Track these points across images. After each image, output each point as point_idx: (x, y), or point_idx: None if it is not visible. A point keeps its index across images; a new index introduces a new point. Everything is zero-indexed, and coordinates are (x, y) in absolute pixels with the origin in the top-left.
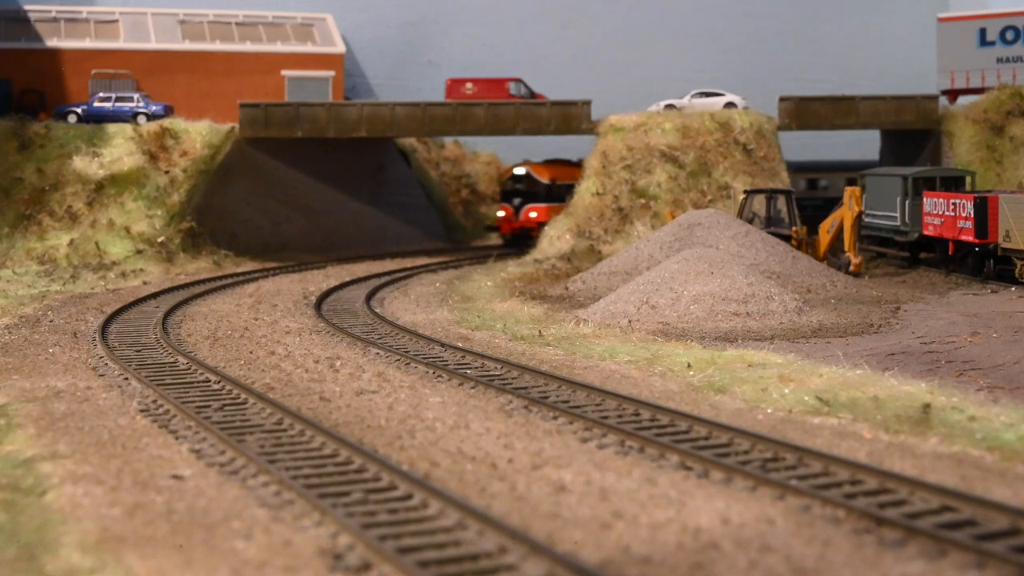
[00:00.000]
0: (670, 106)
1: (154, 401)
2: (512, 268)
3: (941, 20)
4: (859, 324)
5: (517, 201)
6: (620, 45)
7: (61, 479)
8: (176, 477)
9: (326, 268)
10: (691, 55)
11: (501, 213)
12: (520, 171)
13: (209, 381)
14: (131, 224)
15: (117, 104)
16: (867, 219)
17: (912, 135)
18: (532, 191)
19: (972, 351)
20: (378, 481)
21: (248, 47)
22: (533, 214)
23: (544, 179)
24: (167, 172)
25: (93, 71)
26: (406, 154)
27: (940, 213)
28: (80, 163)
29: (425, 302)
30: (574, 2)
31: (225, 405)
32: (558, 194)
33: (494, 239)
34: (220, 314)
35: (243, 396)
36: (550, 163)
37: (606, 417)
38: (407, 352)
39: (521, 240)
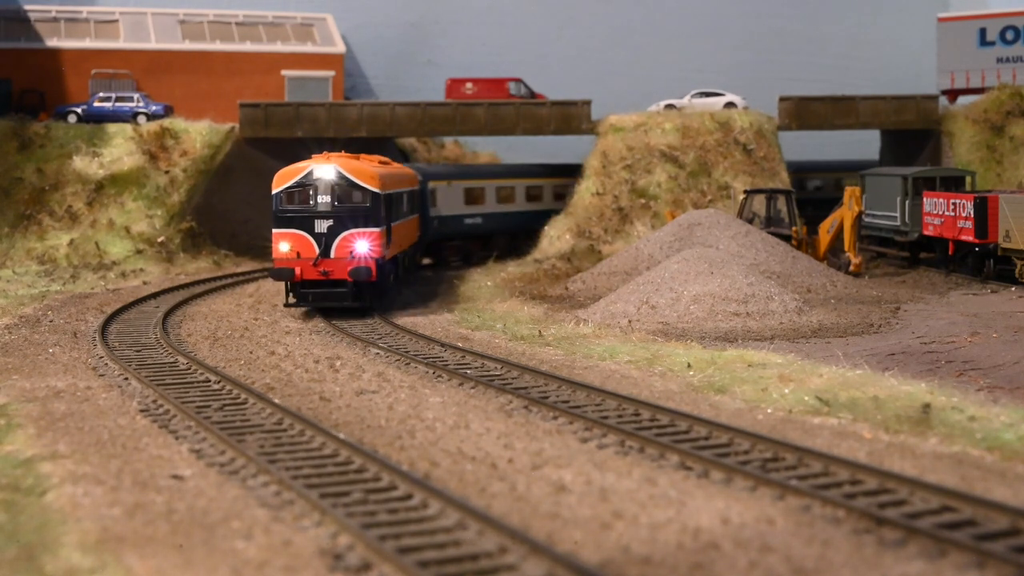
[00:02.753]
0: (670, 106)
1: (154, 401)
2: (512, 268)
3: (941, 20)
4: (859, 324)
5: (325, 226)
6: (620, 45)
7: (61, 479)
8: (176, 477)
9: None
10: (691, 55)
11: (286, 247)
12: (327, 172)
13: (209, 381)
14: (131, 224)
15: (117, 104)
16: (867, 219)
17: (912, 135)
18: (353, 207)
19: (972, 351)
20: (378, 481)
21: (248, 47)
22: (363, 246)
23: (372, 187)
24: (167, 172)
25: (93, 71)
26: (406, 154)
27: (940, 213)
28: (80, 163)
29: (425, 302)
30: (574, 2)
31: (225, 405)
32: (394, 211)
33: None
34: (220, 314)
35: (243, 396)
36: (368, 159)
37: (606, 417)
38: (407, 352)
39: (335, 294)
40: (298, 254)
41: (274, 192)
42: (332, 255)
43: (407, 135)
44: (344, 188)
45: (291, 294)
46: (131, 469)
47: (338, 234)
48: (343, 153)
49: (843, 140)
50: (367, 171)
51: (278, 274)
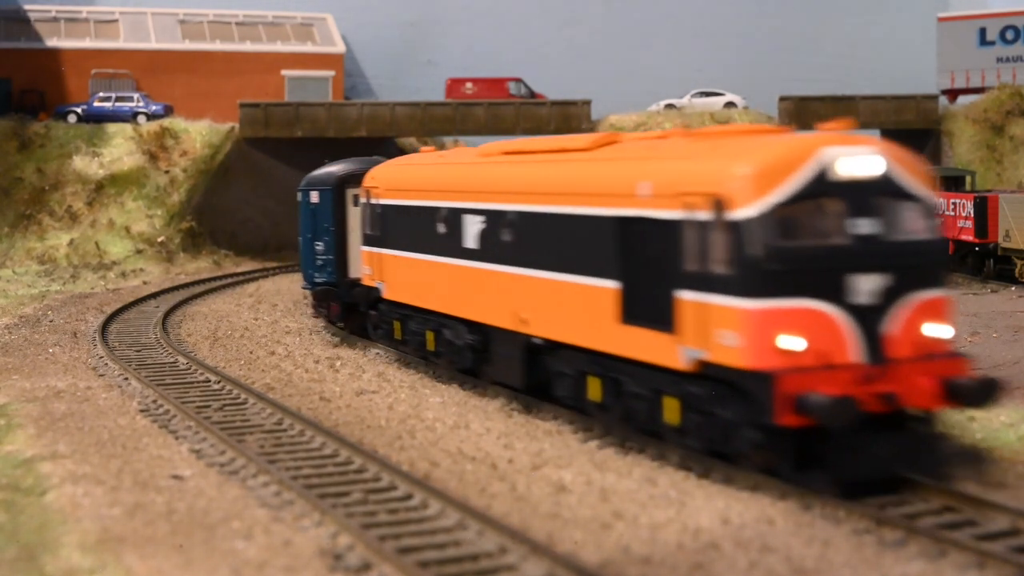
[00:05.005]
0: (670, 106)
1: (154, 401)
2: None
3: (941, 20)
4: None
5: (873, 287)
6: (620, 45)
7: (61, 479)
8: (176, 477)
9: None
10: (691, 55)
11: (796, 343)
12: (866, 166)
13: (209, 381)
14: (131, 224)
15: (117, 104)
16: None
17: (912, 135)
18: (920, 245)
19: (972, 351)
20: (378, 481)
21: (248, 47)
22: (943, 329)
23: (931, 195)
24: (167, 172)
25: (93, 71)
26: (406, 154)
27: (940, 213)
28: (80, 163)
29: None
30: (574, 2)
31: (225, 405)
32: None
33: None
34: (220, 314)
35: (243, 396)
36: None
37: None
38: (407, 352)
39: (896, 451)
40: (819, 352)
41: (748, 214)
42: (889, 354)
43: (407, 135)
44: (898, 204)
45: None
46: (131, 469)
47: (893, 304)
48: (836, 124)
49: None
50: (914, 163)
51: (830, 413)
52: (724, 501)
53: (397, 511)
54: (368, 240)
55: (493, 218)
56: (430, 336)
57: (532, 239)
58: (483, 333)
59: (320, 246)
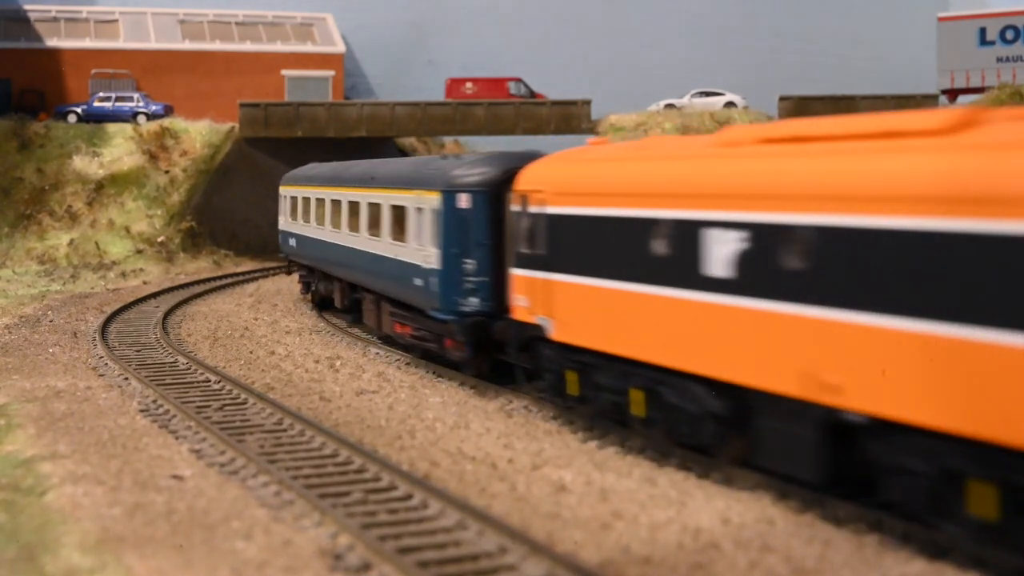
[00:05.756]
0: (670, 106)
1: (154, 401)
2: None
3: (941, 20)
4: None
5: None
6: (620, 45)
7: (61, 479)
8: (176, 477)
9: None
10: (691, 55)
11: None
12: None
13: (209, 381)
14: (131, 224)
15: (117, 104)
16: None
17: None
18: None
19: None
20: (378, 481)
21: (248, 47)
22: None
23: None
24: (167, 172)
25: (93, 71)
26: (406, 154)
27: None
28: (80, 163)
29: None
30: (574, 2)
31: (225, 405)
32: None
33: None
34: (220, 314)
35: (243, 396)
36: None
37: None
38: (407, 351)
39: None
40: None
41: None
42: None
43: (407, 135)
44: None
45: None
46: (131, 469)
47: None
48: None
49: None
50: None
51: None
52: (724, 501)
53: (397, 511)
54: (524, 261)
55: (764, 234)
56: (637, 397)
57: (847, 266)
58: (738, 398)
59: (470, 265)
